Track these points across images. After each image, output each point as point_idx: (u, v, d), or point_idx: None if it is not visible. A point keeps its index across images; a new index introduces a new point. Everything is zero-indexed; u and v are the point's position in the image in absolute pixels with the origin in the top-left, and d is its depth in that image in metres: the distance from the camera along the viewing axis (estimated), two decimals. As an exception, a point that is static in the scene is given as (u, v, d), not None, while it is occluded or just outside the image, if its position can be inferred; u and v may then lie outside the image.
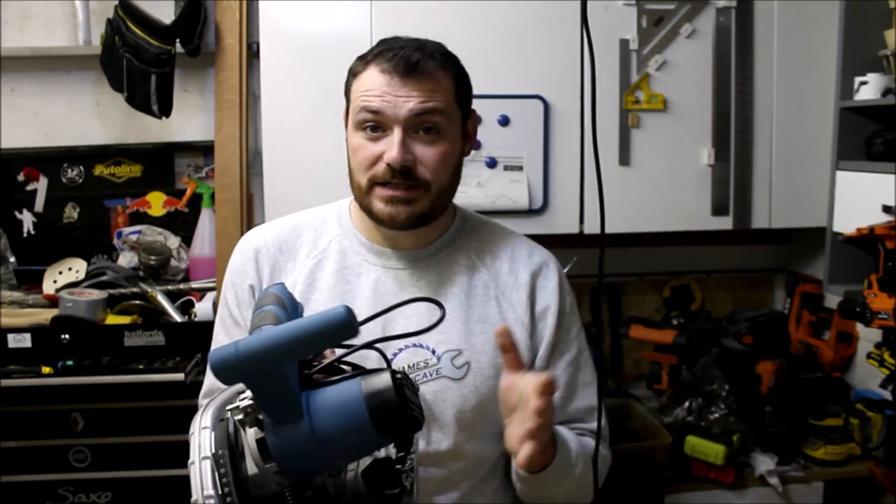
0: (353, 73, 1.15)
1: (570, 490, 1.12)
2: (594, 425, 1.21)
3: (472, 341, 1.15)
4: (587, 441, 1.18)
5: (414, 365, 1.14)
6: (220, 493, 0.64)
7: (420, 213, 1.12)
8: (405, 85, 1.08)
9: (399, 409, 0.71)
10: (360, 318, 1.15)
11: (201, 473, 0.65)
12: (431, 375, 1.14)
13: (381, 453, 0.81)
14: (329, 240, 1.20)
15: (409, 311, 1.14)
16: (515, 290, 1.20)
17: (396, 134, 1.08)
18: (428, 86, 1.09)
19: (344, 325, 0.70)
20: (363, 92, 1.10)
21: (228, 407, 0.72)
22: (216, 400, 0.78)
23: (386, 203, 1.10)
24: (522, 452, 0.92)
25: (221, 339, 1.20)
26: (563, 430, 1.14)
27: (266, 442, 0.70)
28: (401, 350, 1.13)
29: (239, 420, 0.71)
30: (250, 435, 0.70)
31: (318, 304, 1.15)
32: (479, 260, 1.21)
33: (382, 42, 1.13)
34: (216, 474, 0.65)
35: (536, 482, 1.06)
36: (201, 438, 0.67)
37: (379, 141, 1.10)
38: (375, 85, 1.09)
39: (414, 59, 1.08)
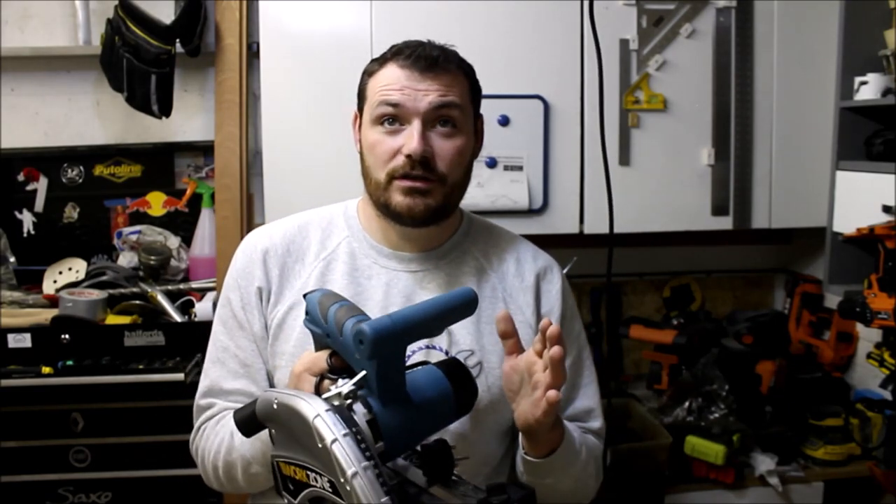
0: (368, 73, 1.16)
1: (574, 479, 1.12)
2: (594, 425, 1.23)
3: (482, 342, 1.16)
4: (588, 436, 1.19)
5: None
6: (373, 462, 0.68)
7: (435, 207, 1.12)
8: (425, 79, 1.10)
9: (465, 368, 0.85)
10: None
11: (347, 448, 0.68)
12: None
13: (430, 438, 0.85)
14: (337, 241, 1.20)
15: None
16: (522, 292, 1.21)
17: (416, 125, 1.09)
18: (446, 81, 1.11)
19: (472, 302, 0.84)
20: (382, 87, 1.11)
21: (325, 395, 0.75)
22: (284, 392, 0.78)
23: (405, 195, 1.11)
24: (545, 402, 0.92)
25: (222, 339, 1.18)
26: (565, 421, 1.14)
27: (377, 422, 0.75)
28: (413, 352, 1.13)
29: (348, 405, 0.75)
30: (360, 416, 0.75)
31: None
32: (486, 262, 1.22)
33: (397, 45, 1.15)
34: (360, 447, 0.68)
35: (545, 467, 1.06)
36: (328, 419, 0.69)
37: (397, 135, 1.11)
38: (395, 79, 1.10)
39: (434, 54, 1.11)
